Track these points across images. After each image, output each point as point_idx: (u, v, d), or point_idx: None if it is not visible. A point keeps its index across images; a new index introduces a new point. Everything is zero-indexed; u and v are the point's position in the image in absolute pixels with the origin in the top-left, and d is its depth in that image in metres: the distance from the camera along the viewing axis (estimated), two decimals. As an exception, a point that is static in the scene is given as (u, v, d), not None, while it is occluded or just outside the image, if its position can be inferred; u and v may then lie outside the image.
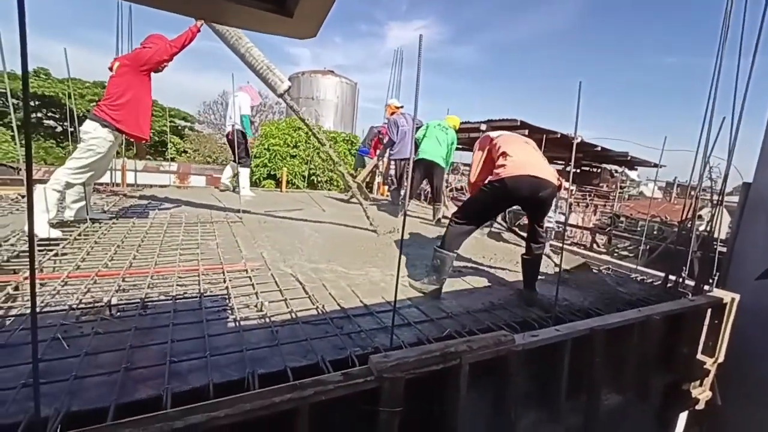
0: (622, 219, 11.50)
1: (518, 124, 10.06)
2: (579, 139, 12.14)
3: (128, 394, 1.19)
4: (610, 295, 2.79)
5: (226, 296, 1.98)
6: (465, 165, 14.18)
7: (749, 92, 2.96)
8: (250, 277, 2.28)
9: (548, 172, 2.37)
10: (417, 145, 4.83)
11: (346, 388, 1.25)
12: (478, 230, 4.37)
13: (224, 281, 2.19)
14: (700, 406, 2.77)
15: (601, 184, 19.43)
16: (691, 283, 3.03)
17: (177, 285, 2.08)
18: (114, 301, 1.76)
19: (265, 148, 8.29)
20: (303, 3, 0.58)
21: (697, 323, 2.68)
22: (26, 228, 2.57)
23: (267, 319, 1.77)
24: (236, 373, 1.34)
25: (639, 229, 9.62)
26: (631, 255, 8.36)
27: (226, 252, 2.75)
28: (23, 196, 4.05)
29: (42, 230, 2.63)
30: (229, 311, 1.82)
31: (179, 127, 24.99)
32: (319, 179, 8.53)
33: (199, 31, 3.22)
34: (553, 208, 3.91)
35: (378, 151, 6.71)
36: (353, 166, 8.02)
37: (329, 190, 8.16)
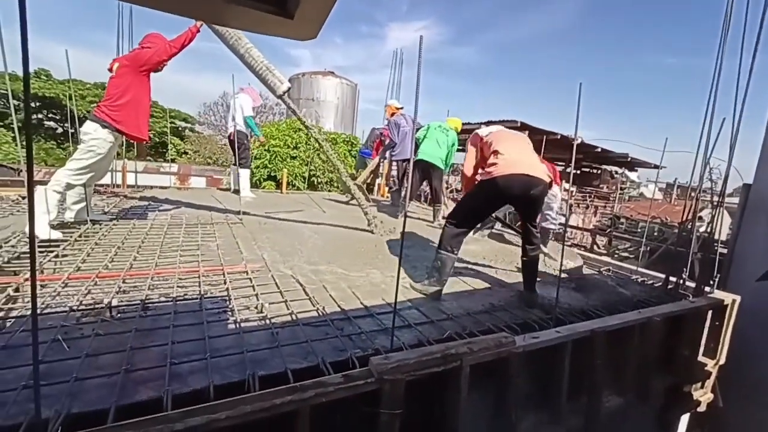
0: (622, 220, 11.50)
1: (518, 125, 10.08)
2: (579, 141, 12.16)
3: (128, 395, 1.19)
4: (610, 297, 2.78)
5: (227, 298, 1.98)
6: (465, 166, 14.14)
7: (749, 92, 2.97)
8: (250, 279, 2.28)
9: (539, 169, 2.39)
10: (417, 146, 4.83)
11: (346, 390, 1.25)
12: (479, 232, 4.40)
13: (224, 283, 2.18)
14: (702, 408, 2.76)
15: (601, 186, 19.44)
16: (692, 284, 3.02)
17: (177, 286, 2.07)
18: (114, 302, 1.76)
19: (265, 149, 8.30)
20: (303, 5, 0.58)
21: (697, 325, 2.68)
22: (27, 229, 2.58)
23: (267, 321, 1.76)
24: (237, 375, 1.34)
25: (639, 230, 9.62)
26: (631, 256, 8.36)
27: (226, 253, 2.75)
28: (24, 198, 4.05)
29: (43, 232, 2.63)
30: (230, 313, 1.82)
31: (179, 129, 25.02)
32: (320, 180, 8.54)
33: (198, 31, 3.22)
34: (555, 210, 3.91)
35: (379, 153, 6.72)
36: (354, 167, 8.03)
37: (329, 191, 8.16)
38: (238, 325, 1.69)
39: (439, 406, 1.53)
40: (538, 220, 3.96)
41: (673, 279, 3.09)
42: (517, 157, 2.40)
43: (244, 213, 4.05)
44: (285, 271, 2.50)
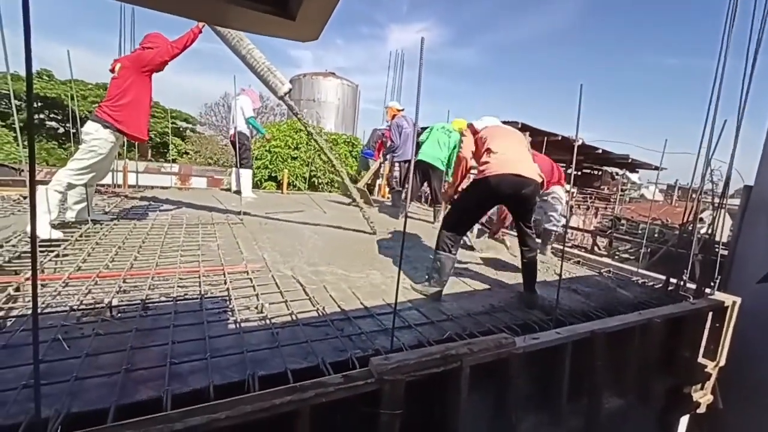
0: (623, 222, 11.50)
1: (519, 126, 10.08)
2: (580, 142, 12.14)
3: (129, 395, 1.19)
4: (611, 298, 2.78)
5: (227, 298, 1.98)
6: (466, 167, 14.14)
7: (750, 93, 2.97)
8: (250, 279, 2.28)
9: (531, 169, 2.41)
10: (419, 147, 4.84)
11: (346, 390, 1.25)
12: (478, 233, 4.39)
13: (225, 283, 2.19)
14: (702, 409, 2.76)
15: (602, 187, 19.41)
16: (693, 286, 3.02)
17: (178, 286, 2.08)
18: (115, 302, 1.77)
19: (266, 150, 8.31)
20: (305, 6, 0.58)
21: (698, 326, 2.68)
22: (28, 229, 2.59)
23: (267, 321, 1.77)
24: (237, 375, 1.34)
25: (640, 231, 9.61)
26: (632, 258, 8.34)
27: (226, 253, 2.75)
28: (25, 197, 4.06)
29: (43, 231, 2.64)
30: (230, 313, 1.82)
31: (181, 129, 25.07)
32: (320, 181, 8.54)
33: (200, 32, 3.23)
34: (560, 211, 3.90)
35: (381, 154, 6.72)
36: (356, 168, 8.03)
37: (330, 192, 8.17)
38: (238, 325, 1.69)
39: (439, 406, 1.53)
40: (544, 224, 3.96)
41: (673, 280, 3.09)
42: (510, 156, 2.42)
43: (245, 213, 4.05)
44: (285, 272, 2.50)
